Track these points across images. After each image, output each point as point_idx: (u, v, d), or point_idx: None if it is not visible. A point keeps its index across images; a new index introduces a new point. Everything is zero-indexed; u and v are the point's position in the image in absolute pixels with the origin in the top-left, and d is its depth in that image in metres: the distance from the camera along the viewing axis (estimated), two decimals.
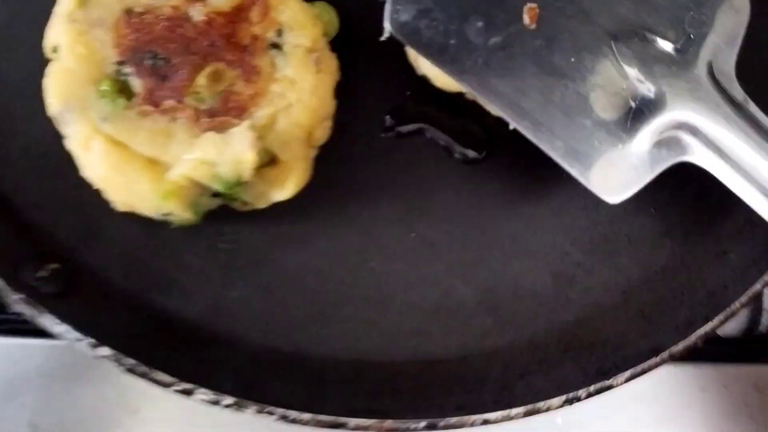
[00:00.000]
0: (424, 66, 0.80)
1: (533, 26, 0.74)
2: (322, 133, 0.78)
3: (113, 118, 0.72)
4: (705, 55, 0.77)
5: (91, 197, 0.76)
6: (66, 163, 0.76)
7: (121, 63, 0.73)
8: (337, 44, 0.81)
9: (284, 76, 0.74)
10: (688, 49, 0.77)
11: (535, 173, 0.85)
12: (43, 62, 0.76)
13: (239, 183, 0.72)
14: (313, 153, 0.78)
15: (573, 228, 0.86)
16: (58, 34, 0.73)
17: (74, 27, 0.72)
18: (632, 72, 0.75)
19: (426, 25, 0.72)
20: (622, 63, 0.75)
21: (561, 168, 0.82)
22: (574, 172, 0.76)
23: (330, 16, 0.80)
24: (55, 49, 0.74)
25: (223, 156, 0.71)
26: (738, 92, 0.77)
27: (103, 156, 0.72)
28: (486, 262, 0.85)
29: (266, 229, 0.82)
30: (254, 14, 0.74)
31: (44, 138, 0.77)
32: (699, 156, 0.76)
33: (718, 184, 0.86)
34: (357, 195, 0.84)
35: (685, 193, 0.87)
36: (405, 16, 0.72)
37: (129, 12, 0.73)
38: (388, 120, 0.84)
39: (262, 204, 0.77)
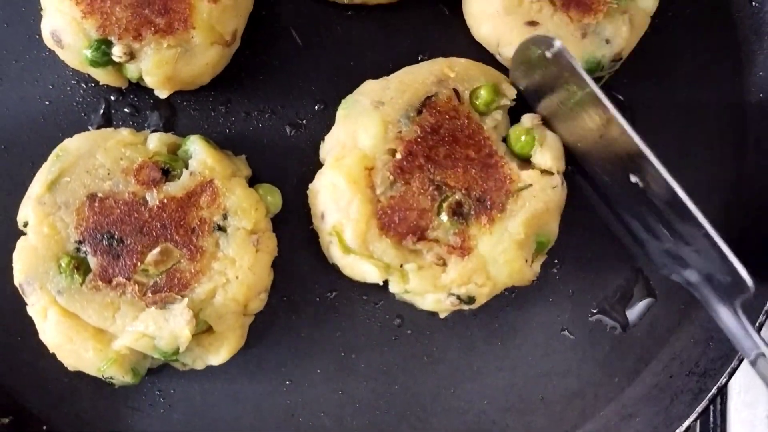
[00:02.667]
0: (335, 255, 0.85)
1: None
2: (258, 304, 0.83)
3: (68, 292, 0.78)
4: None
5: (47, 356, 0.82)
6: (29, 324, 0.82)
7: (80, 242, 0.79)
8: (280, 219, 0.89)
9: (225, 255, 0.81)
10: None
11: (453, 338, 0.91)
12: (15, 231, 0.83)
13: (176, 353, 0.78)
14: (249, 321, 0.84)
15: (490, 387, 0.91)
16: (28, 212, 0.80)
17: (42, 209, 0.79)
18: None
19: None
20: None
21: (478, 333, 0.89)
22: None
23: (274, 197, 0.87)
24: (25, 224, 0.81)
25: (162, 331, 0.77)
26: None
27: (56, 325, 0.78)
28: (407, 419, 0.90)
29: (203, 387, 0.88)
30: (204, 199, 0.82)
31: (12, 302, 0.84)
32: None
33: (631, 347, 0.92)
34: (290, 355, 0.89)
35: (598, 356, 0.93)
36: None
37: (92, 197, 0.80)
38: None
39: (199, 366, 0.82)
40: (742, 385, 1.07)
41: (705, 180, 0.94)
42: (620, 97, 0.95)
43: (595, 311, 0.92)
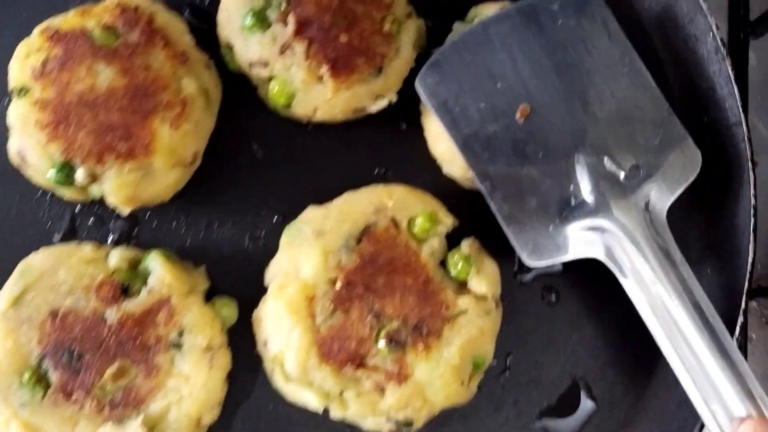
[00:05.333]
0: (277, 383, 0.91)
1: (521, 121, 0.94)
2: (211, 418, 0.90)
3: (30, 406, 0.85)
4: (645, 190, 0.95)
5: None
6: None
7: (42, 357, 0.87)
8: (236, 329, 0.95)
9: (180, 371, 0.88)
10: (633, 180, 0.95)
11: None
12: None
13: None
14: None
15: None
16: None
17: (6, 324, 0.87)
18: (582, 178, 0.93)
19: (442, 90, 0.95)
20: (577, 169, 0.94)
21: None
22: (508, 232, 0.94)
23: (230, 309, 0.94)
24: None
25: None
26: (661, 226, 0.94)
27: None
28: None
29: None
30: (161, 317, 0.89)
31: None
32: (609, 261, 0.93)
33: None
34: None
35: None
36: (430, 80, 0.95)
37: (54, 313, 0.88)
38: None
39: None
40: None
41: None
42: None
43: (539, 419, 1.00)
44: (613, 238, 0.92)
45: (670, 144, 0.97)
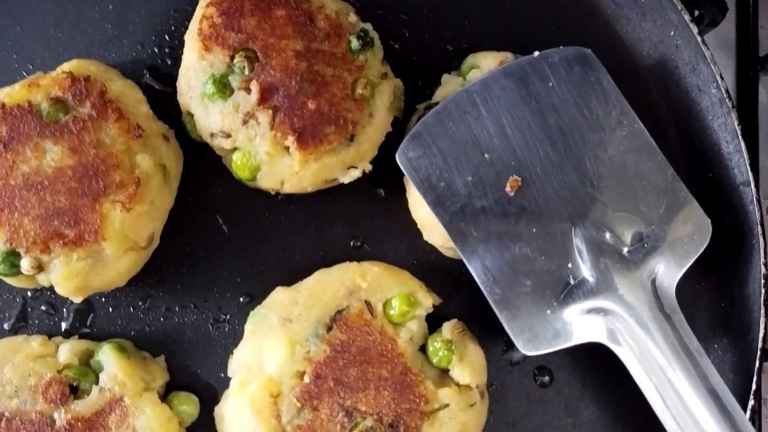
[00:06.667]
0: None
1: (512, 194, 0.87)
2: None
3: None
4: (651, 265, 0.88)
5: None
6: None
7: None
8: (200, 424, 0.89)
9: None
10: (638, 255, 0.88)
11: None
12: None
13: None
14: None
15: None
16: None
17: None
18: (581, 255, 0.86)
19: (426, 165, 0.88)
20: (575, 245, 0.87)
21: None
22: (501, 317, 0.87)
23: (190, 405, 0.88)
24: None
25: None
26: (670, 305, 0.87)
27: None
28: None
29: None
30: (112, 419, 0.83)
31: None
32: (614, 345, 0.86)
33: None
34: None
35: None
36: (412, 154, 0.88)
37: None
38: None
39: None
40: None
41: None
42: None
43: None
44: (619, 320, 0.86)
45: (677, 212, 0.91)
